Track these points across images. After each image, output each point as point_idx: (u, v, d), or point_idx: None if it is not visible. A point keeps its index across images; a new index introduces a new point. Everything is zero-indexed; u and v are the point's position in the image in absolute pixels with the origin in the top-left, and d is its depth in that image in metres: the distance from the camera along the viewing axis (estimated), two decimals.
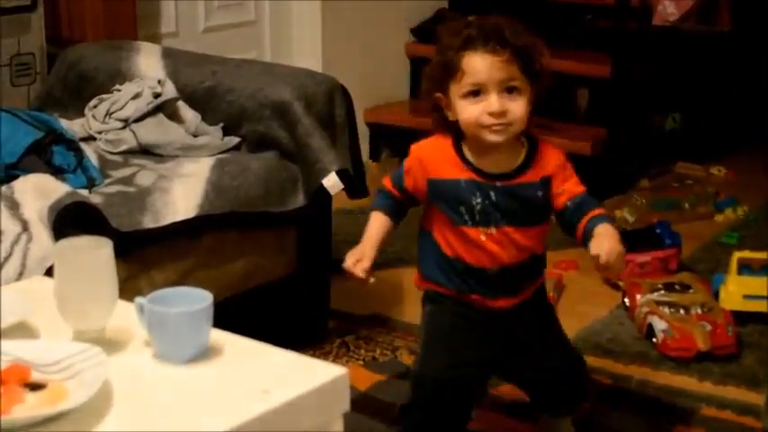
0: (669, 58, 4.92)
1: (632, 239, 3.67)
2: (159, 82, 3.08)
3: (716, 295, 3.33)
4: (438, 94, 2.28)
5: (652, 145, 4.95)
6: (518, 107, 2.20)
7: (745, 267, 3.34)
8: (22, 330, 1.75)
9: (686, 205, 4.35)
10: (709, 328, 3.11)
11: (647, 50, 4.74)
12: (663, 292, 3.29)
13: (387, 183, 2.43)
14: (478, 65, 2.18)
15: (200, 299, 1.72)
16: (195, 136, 3.02)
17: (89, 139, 3.04)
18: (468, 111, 2.21)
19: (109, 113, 3.05)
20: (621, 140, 4.65)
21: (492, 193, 2.27)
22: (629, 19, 4.61)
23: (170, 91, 3.04)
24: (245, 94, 3.03)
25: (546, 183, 2.29)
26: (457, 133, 2.30)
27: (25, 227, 2.43)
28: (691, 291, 3.29)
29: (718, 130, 5.19)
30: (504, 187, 2.27)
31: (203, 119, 3.07)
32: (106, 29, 3.58)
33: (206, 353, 1.68)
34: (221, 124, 3.06)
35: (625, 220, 4.19)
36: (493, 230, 2.29)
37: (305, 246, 3.05)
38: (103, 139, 3.01)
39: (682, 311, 3.18)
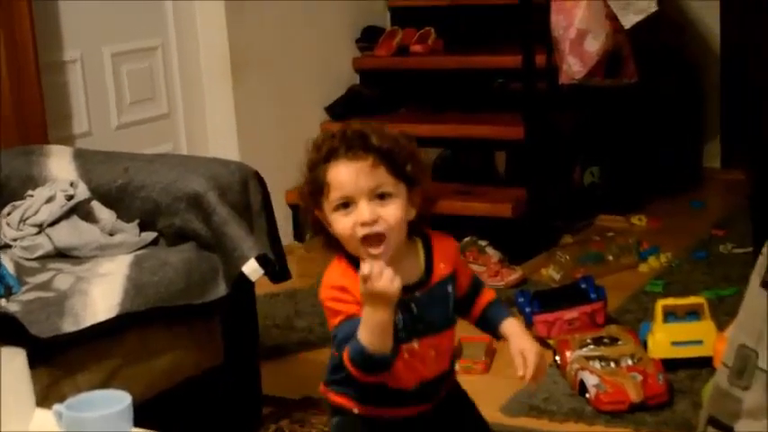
0: (581, 114, 5.00)
1: (559, 297, 3.72)
2: (71, 184, 3.07)
3: (644, 345, 3.36)
4: (317, 212, 2.08)
5: (572, 200, 5.01)
6: (391, 213, 2.00)
7: (671, 314, 3.38)
8: None
9: (610, 257, 4.39)
10: (640, 378, 3.13)
11: (558, 109, 4.82)
12: (592, 346, 3.31)
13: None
14: (343, 175, 2.01)
15: (119, 400, 1.72)
16: (111, 234, 3.00)
17: (4, 246, 3.01)
18: (341, 224, 2.02)
19: (23, 220, 3.03)
20: (542, 199, 4.71)
21: (413, 306, 2.07)
22: (539, 80, 4.68)
23: (82, 192, 3.04)
24: (158, 189, 3.02)
25: (454, 276, 2.15)
26: (348, 254, 2.07)
27: None
28: (619, 343, 3.32)
29: (637, 180, 5.27)
30: (423, 295, 2.09)
31: (119, 216, 3.06)
32: (17, 135, 3.57)
33: None
34: (137, 221, 3.05)
35: (552, 278, 4.22)
36: (415, 345, 2.08)
37: (232, 334, 3.04)
38: (19, 246, 2.99)
39: (612, 365, 3.21)
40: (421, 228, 2.13)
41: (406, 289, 2.03)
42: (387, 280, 1.92)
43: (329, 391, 2.19)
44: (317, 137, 2.10)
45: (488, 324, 2.23)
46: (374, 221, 1.99)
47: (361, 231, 1.99)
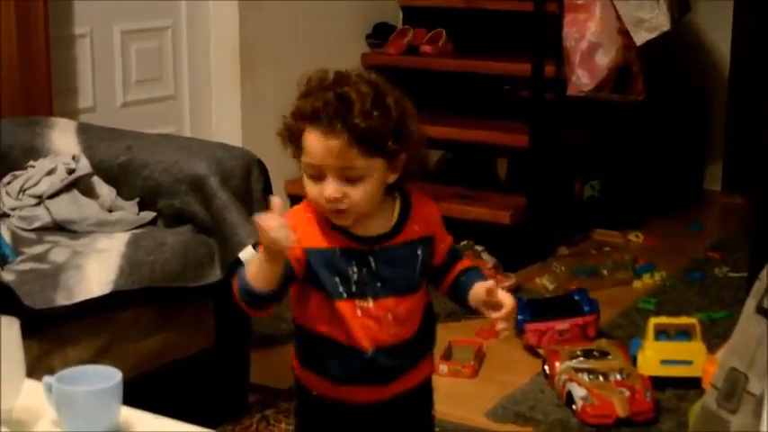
0: (586, 126, 5.00)
1: (551, 307, 3.72)
2: (74, 158, 3.06)
3: (634, 361, 3.36)
4: (294, 156, 2.02)
5: (571, 213, 5.00)
6: (358, 193, 1.95)
7: (662, 333, 3.38)
8: None
9: (605, 272, 4.39)
10: (627, 394, 3.14)
11: (564, 120, 4.81)
12: (582, 358, 3.31)
13: None
14: (315, 147, 1.94)
15: (110, 377, 1.71)
16: (110, 211, 3.00)
17: (2, 215, 3.01)
18: (309, 189, 1.97)
19: (23, 190, 3.03)
20: (541, 209, 4.70)
21: (371, 260, 2.02)
22: (546, 89, 4.68)
23: (84, 167, 3.03)
24: (160, 169, 3.02)
25: (428, 240, 2.07)
26: None
27: None
28: (609, 357, 3.32)
29: (636, 197, 5.27)
30: (384, 250, 2.02)
31: (119, 194, 3.06)
32: (22, 105, 3.56)
33: None
34: (137, 199, 3.05)
35: (545, 288, 4.22)
36: (370, 304, 2.02)
37: (223, 319, 3.03)
38: (17, 216, 2.98)
39: (600, 378, 3.21)
40: (403, 187, 2.07)
41: (368, 240, 2.02)
42: (278, 233, 1.84)
43: (296, 362, 2.14)
44: (311, 77, 2.04)
45: (459, 290, 2.11)
46: (338, 199, 1.94)
47: (327, 205, 1.95)
